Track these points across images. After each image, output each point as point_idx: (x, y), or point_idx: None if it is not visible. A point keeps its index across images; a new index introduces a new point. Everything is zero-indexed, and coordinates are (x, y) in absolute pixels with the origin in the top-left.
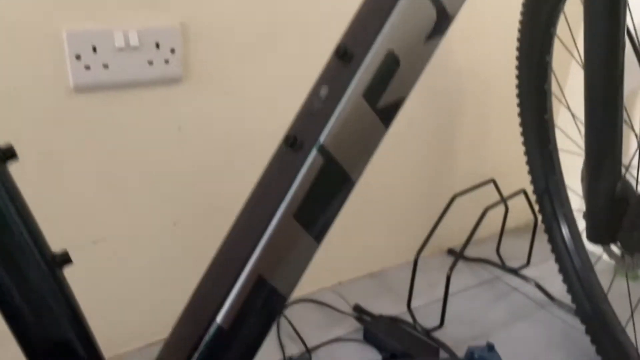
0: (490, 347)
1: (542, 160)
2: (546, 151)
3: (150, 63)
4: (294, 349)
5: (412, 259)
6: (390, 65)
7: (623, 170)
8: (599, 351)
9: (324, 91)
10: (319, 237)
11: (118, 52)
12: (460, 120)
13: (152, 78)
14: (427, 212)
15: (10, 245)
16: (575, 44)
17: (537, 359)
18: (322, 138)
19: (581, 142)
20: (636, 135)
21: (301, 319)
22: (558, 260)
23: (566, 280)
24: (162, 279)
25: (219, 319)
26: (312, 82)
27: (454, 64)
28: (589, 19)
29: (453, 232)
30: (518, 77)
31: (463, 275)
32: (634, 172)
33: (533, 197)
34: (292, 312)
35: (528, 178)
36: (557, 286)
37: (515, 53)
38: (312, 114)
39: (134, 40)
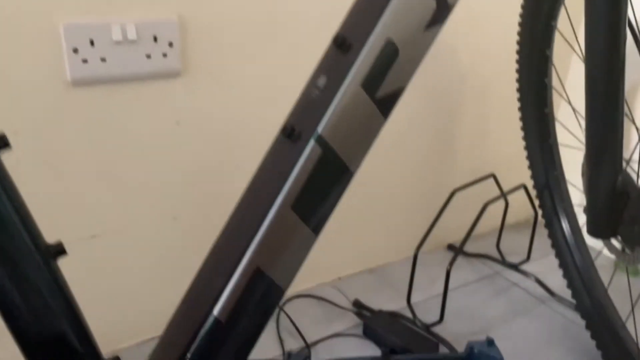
0: (490, 342)
1: (543, 154)
2: (546, 145)
3: (148, 57)
4: (293, 344)
5: (411, 254)
6: (389, 55)
7: (624, 164)
8: (599, 346)
9: (322, 81)
10: (317, 228)
11: (116, 46)
12: (460, 115)
13: (150, 72)
14: (427, 207)
15: (2, 234)
16: (576, 37)
17: (537, 354)
18: (320, 128)
19: (582, 136)
20: (637, 129)
21: (300, 314)
22: (558, 255)
23: (566, 275)
24: (161, 274)
25: (216, 311)
26: None
27: (454, 59)
28: (590, 11)
29: (453, 228)
30: (518, 71)
31: (463, 271)
32: (635, 166)
33: (533, 192)
34: (292, 308)
35: (528, 173)
36: (558, 281)
37: (515, 47)
38: (310, 104)
39: (131, 34)
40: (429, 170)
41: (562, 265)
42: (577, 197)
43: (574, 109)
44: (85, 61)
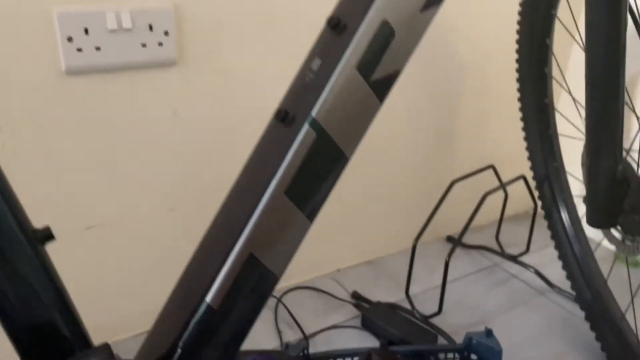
0: (489, 333)
1: (542, 145)
2: (546, 136)
3: (144, 46)
4: (291, 335)
5: (410, 246)
6: (384, 36)
7: (624, 153)
8: (598, 338)
9: (316, 64)
10: (311, 214)
11: (110, 34)
12: (460, 106)
13: (146, 61)
14: (426, 198)
15: None
16: (577, 26)
17: (536, 345)
18: (314, 112)
19: (582, 127)
20: (637, 118)
21: (299, 306)
22: (558, 246)
23: (566, 266)
24: (158, 265)
25: (209, 298)
26: None
27: (454, 49)
28: None
29: (452, 219)
30: (518, 60)
31: (462, 262)
32: (635, 155)
33: (533, 183)
34: (290, 299)
35: (528, 164)
36: (557, 273)
37: (515, 37)
38: (304, 87)
39: (126, 22)
40: (427, 161)
41: (562, 256)
42: (577, 188)
43: (574, 99)
44: (79, 50)
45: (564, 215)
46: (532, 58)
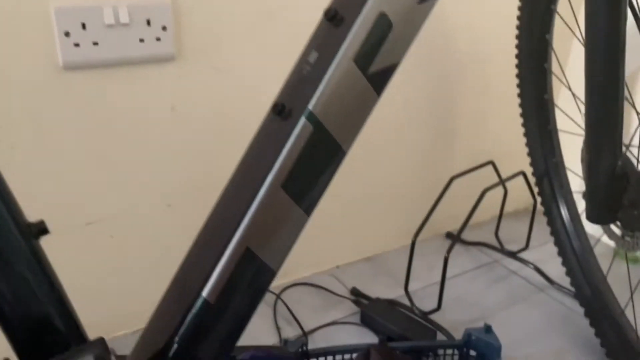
0: (488, 329)
1: (542, 141)
2: (546, 132)
3: (142, 41)
4: (290, 331)
5: (409, 242)
6: (382, 29)
7: (623, 148)
8: (598, 334)
9: (313, 56)
10: (308, 209)
11: (108, 29)
12: (459, 101)
13: (144, 56)
14: (425, 195)
15: None
16: (577, 21)
17: (536, 341)
18: (311, 105)
19: (582, 122)
20: (637, 113)
21: (298, 302)
22: (557, 242)
23: (565, 263)
24: (156, 261)
25: (205, 292)
26: None
27: (453, 45)
28: None
29: (452, 216)
30: (518, 56)
31: (461, 259)
32: (635, 150)
33: (532, 179)
34: (289, 296)
35: (527, 160)
36: (556, 269)
37: (515, 32)
38: (301, 80)
39: (124, 17)
40: (427, 157)
41: (561, 252)
42: (577, 184)
43: (574, 95)
44: (77, 45)
45: (564, 211)
46: (531, 53)
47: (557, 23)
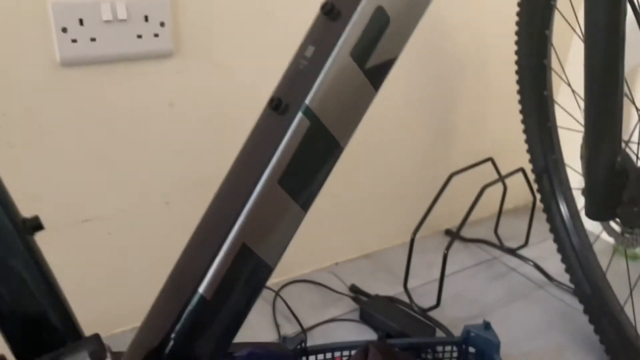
0: (487, 326)
1: (541, 138)
2: (545, 128)
3: (139, 37)
4: (289, 328)
5: (408, 239)
6: (379, 23)
7: (623, 144)
8: (597, 331)
9: (309, 51)
10: (305, 204)
11: (105, 25)
12: (458, 98)
13: (142, 52)
14: (424, 192)
15: None
16: (576, 17)
17: (535, 338)
18: (308, 100)
19: (581, 119)
20: (637, 109)
21: (297, 299)
22: (556, 239)
23: (565, 259)
24: (155, 258)
25: (202, 288)
26: None
27: (452, 42)
28: None
29: (451, 213)
30: (517, 52)
31: (461, 256)
32: (634, 147)
33: (532, 176)
34: (288, 293)
35: (527, 157)
36: (556, 266)
37: (514, 28)
38: (298, 75)
39: (121, 13)
40: (426, 154)
41: (561, 249)
42: (576, 180)
43: (573, 91)
44: (74, 41)
45: (563, 208)
46: (531, 50)
47: (557, 19)
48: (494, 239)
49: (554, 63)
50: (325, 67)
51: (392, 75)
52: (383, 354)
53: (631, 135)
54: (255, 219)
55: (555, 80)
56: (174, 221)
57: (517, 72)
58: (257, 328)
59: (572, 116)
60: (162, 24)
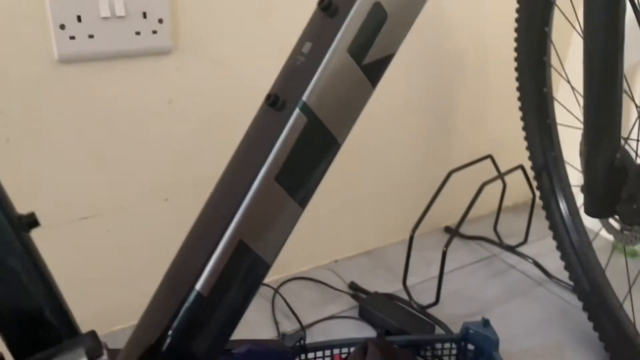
0: (486, 323)
1: (541, 135)
2: (545, 126)
3: (138, 33)
4: (288, 326)
5: (407, 236)
6: (377, 19)
7: (622, 141)
8: (596, 328)
9: (307, 47)
10: (303, 201)
11: (104, 22)
12: (457, 95)
13: (140, 49)
14: (424, 189)
15: None
16: (576, 13)
17: (534, 335)
18: (305, 96)
19: (581, 116)
20: (636, 106)
21: (296, 297)
22: (556, 237)
23: (564, 257)
24: (153, 255)
25: (199, 285)
26: None
27: (451, 39)
28: None
29: (450, 210)
30: (517, 49)
31: (460, 253)
32: (633, 144)
33: (531, 173)
34: (287, 290)
35: (526, 154)
36: (555, 263)
37: (514, 25)
38: (295, 71)
39: (120, 10)
40: (425, 151)
41: (560, 246)
42: (576, 177)
43: (573, 88)
44: (72, 38)
45: (563, 205)
46: (530, 47)
47: (556, 16)
48: (493, 236)
49: (554, 60)
50: (323, 64)
51: (392, 74)
52: (382, 351)
53: (630, 132)
54: (252, 215)
55: (554, 77)
56: (173, 218)
57: (516, 69)
58: (256, 325)
59: (572, 113)
60: (160, 21)
